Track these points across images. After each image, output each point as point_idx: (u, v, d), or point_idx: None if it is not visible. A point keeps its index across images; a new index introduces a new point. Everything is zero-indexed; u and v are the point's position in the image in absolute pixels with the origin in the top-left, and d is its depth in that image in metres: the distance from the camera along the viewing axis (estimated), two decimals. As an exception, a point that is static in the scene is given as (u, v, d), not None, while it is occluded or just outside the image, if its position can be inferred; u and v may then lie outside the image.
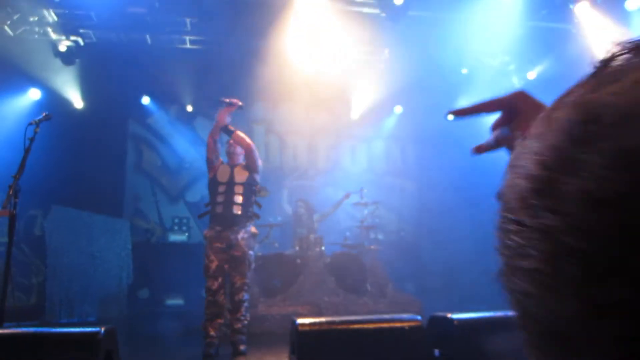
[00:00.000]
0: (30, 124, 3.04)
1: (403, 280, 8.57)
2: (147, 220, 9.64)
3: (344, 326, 2.31)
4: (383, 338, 2.33)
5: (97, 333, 2.12)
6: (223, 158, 4.47)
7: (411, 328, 2.35)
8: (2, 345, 2.00)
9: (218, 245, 4.13)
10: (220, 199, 4.19)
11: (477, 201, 9.51)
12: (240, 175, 4.29)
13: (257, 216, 4.43)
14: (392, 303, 6.15)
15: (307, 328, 2.27)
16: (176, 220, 9.53)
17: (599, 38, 7.30)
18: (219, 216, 4.17)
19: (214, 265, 4.08)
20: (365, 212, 7.48)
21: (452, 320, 2.41)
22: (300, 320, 2.30)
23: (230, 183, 4.23)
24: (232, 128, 4.34)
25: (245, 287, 4.16)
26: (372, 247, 7.13)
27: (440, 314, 2.52)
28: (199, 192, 9.89)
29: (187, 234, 9.45)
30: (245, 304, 4.17)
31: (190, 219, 9.69)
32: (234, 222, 4.16)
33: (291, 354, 2.35)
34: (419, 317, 2.39)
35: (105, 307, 7.70)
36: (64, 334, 2.15)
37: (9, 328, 2.27)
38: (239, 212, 4.17)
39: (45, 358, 2.04)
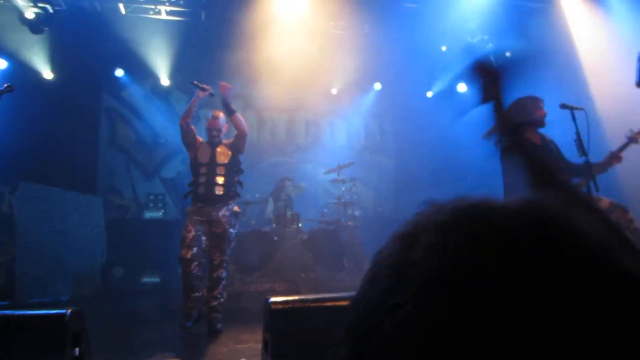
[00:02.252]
0: (-9, 95, 2.89)
1: (380, 256, 8.62)
2: (121, 196, 9.47)
3: (317, 304, 2.29)
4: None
5: (64, 315, 2.06)
6: (202, 136, 4.45)
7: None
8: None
9: (198, 217, 4.14)
10: (202, 179, 4.21)
11: (453, 177, 9.62)
12: (223, 156, 4.29)
13: (238, 195, 4.43)
14: (369, 279, 6.20)
15: (279, 306, 2.25)
16: (151, 197, 9.37)
17: (575, 16, 7.33)
18: (201, 196, 4.20)
19: (190, 235, 4.06)
20: (343, 188, 7.47)
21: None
22: (273, 299, 2.27)
23: (212, 164, 4.23)
24: (234, 108, 4.35)
25: (224, 265, 4.16)
26: (350, 223, 7.15)
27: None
28: (175, 168, 9.75)
29: (162, 210, 9.31)
30: (223, 282, 4.17)
31: (166, 196, 9.54)
32: (216, 201, 4.18)
33: (265, 332, 2.33)
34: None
35: (78, 285, 7.58)
36: (30, 316, 2.08)
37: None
38: (221, 193, 4.20)
39: (10, 341, 1.98)
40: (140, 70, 9.50)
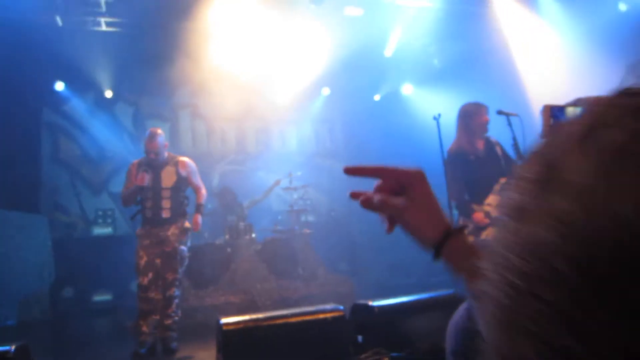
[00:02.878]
0: None
1: (336, 260, 8.76)
2: (67, 214, 9.16)
3: (268, 322, 2.34)
4: (308, 330, 2.39)
5: (7, 352, 2.03)
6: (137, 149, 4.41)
7: (334, 318, 2.43)
8: None
9: (147, 242, 4.13)
10: (148, 204, 4.17)
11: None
12: (168, 179, 4.22)
13: (186, 213, 4.39)
14: (324, 285, 6.29)
15: (231, 327, 2.29)
16: (100, 213, 9.11)
17: (510, 21, 7.70)
18: (149, 219, 4.18)
19: (143, 262, 4.09)
20: (295, 196, 7.53)
21: (372, 307, 2.51)
22: (224, 320, 2.31)
23: (157, 187, 4.17)
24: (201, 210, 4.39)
25: (177, 283, 4.15)
26: (304, 230, 7.21)
27: (362, 302, 2.62)
28: (123, 181, 9.51)
29: (112, 226, 9.08)
30: (177, 300, 4.15)
31: (115, 210, 9.30)
32: (164, 223, 4.16)
33: (217, 353, 2.36)
34: (341, 307, 2.47)
35: (25, 308, 7.29)
36: (-30, 355, 2.03)
37: None
38: (169, 215, 4.17)
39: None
40: (82, 83, 9.22)
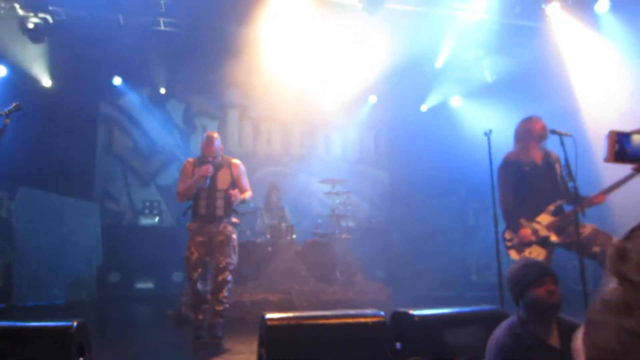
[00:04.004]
0: (0, 114, 3.01)
1: (374, 268, 8.76)
2: (117, 203, 9.55)
3: (311, 321, 2.41)
4: (348, 333, 2.44)
5: (70, 327, 2.17)
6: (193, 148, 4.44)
7: (374, 323, 2.47)
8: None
9: (200, 238, 4.18)
10: (202, 203, 4.23)
11: (446, 190, 9.77)
12: (223, 181, 4.31)
13: (236, 212, 4.48)
14: (362, 291, 6.31)
15: (275, 323, 2.36)
16: (147, 204, 9.47)
17: (567, 38, 7.51)
18: (202, 216, 4.23)
19: (194, 258, 4.12)
20: (337, 201, 7.59)
21: (413, 316, 2.54)
22: (268, 315, 2.39)
23: (212, 189, 4.25)
24: (243, 201, 4.39)
25: (231, 268, 4.13)
26: (344, 235, 7.26)
27: (402, 310, 2.65)
28: (171, 176, 9.84)
29: (158, 217, 9.42)
30: (229, 285, 4.12)
31: (162, 203, 9.65)
32: (217, 220, 4.23)
33: (260, 347, 2.45)
34: (382, 313, 2.51)
35: (74, 290, 7.66)
36: (37, 328, 2.19)
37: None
38: (222, 214, 4.24)
39: (19, 352, 2.09)
40: (138, 79, 9.62)
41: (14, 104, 3.10)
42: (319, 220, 8.29)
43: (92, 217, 8.47)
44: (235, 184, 4.37)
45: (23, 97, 7.56)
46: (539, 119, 3.82)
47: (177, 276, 8.54)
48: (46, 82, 8.90)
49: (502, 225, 4.16)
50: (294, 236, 6.76)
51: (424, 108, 10.42)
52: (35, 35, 8.00)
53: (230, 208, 4.31)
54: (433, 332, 2.52)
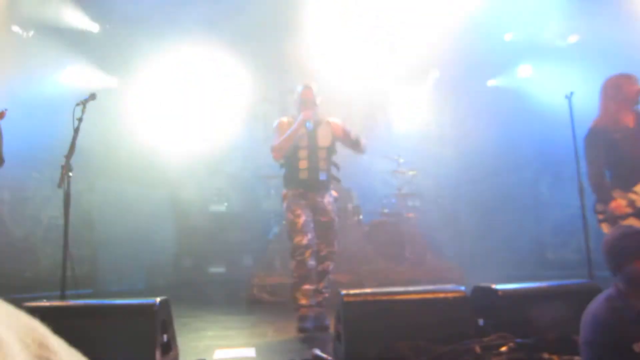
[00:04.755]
0: (78, 104, 3.15)
1: (443, 247, 8.55)
2: (186, 191, 9.88)
3: (388, 297, 2.35)
4: (427, 309, 2.36)
5: (153, 304, 2.23)
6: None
7: (455, 299, 2.37)
8: (70, 314, 2.15)
9: (303, 202, 3.65)
10: (302, 165, 3.67)
11: (517, 166, 9.33)
12: (324, 138, 3.81)
13: (337, 179, 4.04)
14: (432, 270, 6.18)
15: (351, 299, 2.32)
16: (215, 191, 9.72)
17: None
18: (303, 182, 3.68)
19: (301, 220, 3.50)
20: (402, 180, 7.45)
21: (496, 290, 2.41)
22: (345, 292, 2.35)
23: (313, 147, 3.72)
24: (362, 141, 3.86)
25: (333, 257, 3.80)
26: (410, 215, 7.13)
27: (484, 284, 2.53)
28: (237, 162, 10.05)
29: (226, 204, 9.66)
30: (329, 276, 3.80)
31: (229, 189, 9.88)
32: (320, 188, 3.73)
33: (337, 324, 2.42)
34: (462, 288, 2.40)
35: (152, 276, 8.05)
36: (123, 305, 2.27)
37: (72, 300, 2.43)
38: (325, 178, 3.74)
39: (106, 328, 2.17)
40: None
41: (90, 94, 3.23)
42: (384, 201, 8.18)
43: (164, 205, 8.83)
44: (335, 143, 3.88)
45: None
46: (634, 81, 3.46)
47: (247, 260, 8.76)
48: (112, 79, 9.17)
49: (588, 198, 3.88)
50: (361, 217, 6.70)
51: (490, 83, 9.96)
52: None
53: (332, 171, 3.81)
54: (518, 308, 2.39)
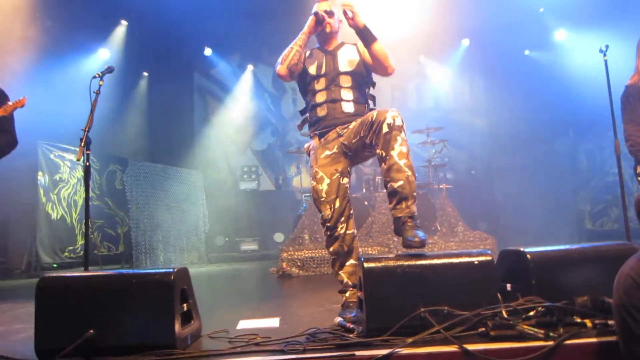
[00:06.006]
0: (95, 77, 3.16)
1: (475, 219, 8.37)
2: (217, 170, 9.98)
3: (410, 261, 2.26)
4: (452, 273, 2.26)
5: (170, 273, 2.22)
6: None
7: (481, 262, 2.26)
8: (90, 284, 2.17)
9: (327, 152, 2.77)
10: (319, 98, 2.79)
11: (553, 134, 8.97)
12: (346, 61, 2.82)
13: (372, 108, 2.86)
14: (464, 241, 6.04)
15: (372, 264, 2.25)
16: (245, 169, 9.79)
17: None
18: (321, 119, 2.80)
19: (323, 186, 2.72)
20: (433, 151, 7.27)
21: (524, 253, 2.30)
22: (365, 257, 2.28)
23: (332, 73, 2.79)
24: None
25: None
26: (442, 186, 6.98)
27: (512, 248, 2.42)
28: (265, 140, 10.07)
29: (256, 181, 9.72)
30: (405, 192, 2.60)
31: (259, 167, 9.93)
32: (346, 121, 2.76)
33: (359, 290, 2.36)
34: (488, 251, 2.29)
35: (186, 254, 8.20)
36: (143, 274, 2.27)
37: (91, 271, 2.45)
38: (352, 111, 2.76)
39: (125, 298, 2.17)
40: (227, 48, 9.81)
41: (106, 67, 3.23)
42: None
43: (196, 184, 8.94)
44: (364, 65, 2.84)
45: (127, 80, 8.02)
46: None
47: (278, 237, 8.81)
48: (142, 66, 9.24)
49: (626, 160, 3.69)
50: (390, 189, 6.59)
51: (526, 52, 9.54)
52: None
53: (363, 103, 2.84)
54: (548, 271, 2.27)
